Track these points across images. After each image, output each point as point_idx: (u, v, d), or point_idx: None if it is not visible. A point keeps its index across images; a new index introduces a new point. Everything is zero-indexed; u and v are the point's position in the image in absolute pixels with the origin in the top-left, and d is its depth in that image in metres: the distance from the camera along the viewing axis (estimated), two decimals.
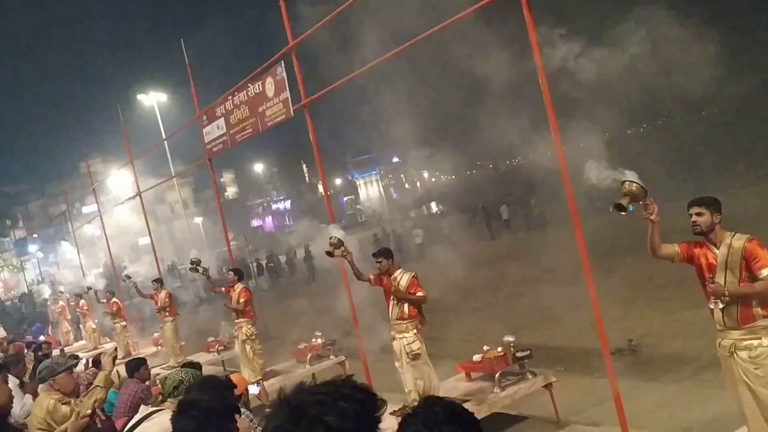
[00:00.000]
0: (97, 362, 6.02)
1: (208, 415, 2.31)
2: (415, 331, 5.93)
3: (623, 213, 3.95)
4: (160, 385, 3.43)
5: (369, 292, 6.86)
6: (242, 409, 3.59)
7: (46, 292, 20.10)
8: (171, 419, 2.35)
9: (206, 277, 9.48)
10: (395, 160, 69.23)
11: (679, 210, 4.19)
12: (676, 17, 5.36)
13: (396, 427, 1.47)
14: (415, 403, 6.06)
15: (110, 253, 16.74)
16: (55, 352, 10.61)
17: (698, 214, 3.94)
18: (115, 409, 5.38)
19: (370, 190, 67.60)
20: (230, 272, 8.99)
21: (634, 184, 3.91)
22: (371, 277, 6.27)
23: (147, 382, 5.84)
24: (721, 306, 3.91)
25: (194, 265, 9.38)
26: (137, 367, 5.83)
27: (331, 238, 6.30)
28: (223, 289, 9.14)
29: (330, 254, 6.29)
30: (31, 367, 6.80)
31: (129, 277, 12.79)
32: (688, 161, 25.53)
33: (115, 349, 5.61)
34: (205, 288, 17.02)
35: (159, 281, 11.54)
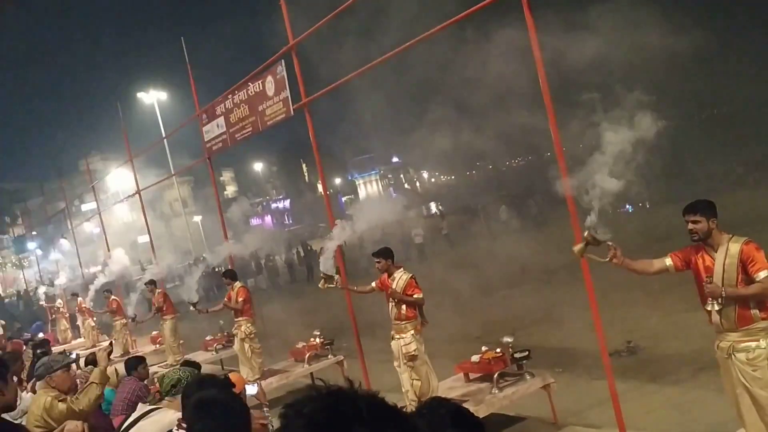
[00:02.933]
0: (94, 362, 6.02)
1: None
2: (413, 332, 5.92)
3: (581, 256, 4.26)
4: (158, 384, 3.44)
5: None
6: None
7: (51, 290, 19.96)
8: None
9: (197, 311, 9.06)
10: (395, 160, 69.31)
11: (678, 211, 4.18)
12: (675, 18, 5.36)
13: None
14: (414, 403, 6.04)
15: (109, 250, 16.72)
16: (56, 349, 10.58)
17: (694, 222, 3.95)
18: (112, 407, 5.39)
19: (369, 190, 67.57)
20: (223, 277, 8.98)
21: (590, 236, 4.08)
22: (374, 285, 6.36)
23: (146, 381, 5.85)
24: (717, 308, 3.92)
25: (193, 305, 8.97)
26: (135, 365, 5.84)
27: (321, 274, 6.38)
28: (221, 304, 9.00)
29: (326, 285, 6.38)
30: (29, 364, 6.80)
31: (135, 316, 12.41)
32: (688, 162, 25.54)
33: (111, 344, 5.59)
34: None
35: (152, 283, 11.52)
